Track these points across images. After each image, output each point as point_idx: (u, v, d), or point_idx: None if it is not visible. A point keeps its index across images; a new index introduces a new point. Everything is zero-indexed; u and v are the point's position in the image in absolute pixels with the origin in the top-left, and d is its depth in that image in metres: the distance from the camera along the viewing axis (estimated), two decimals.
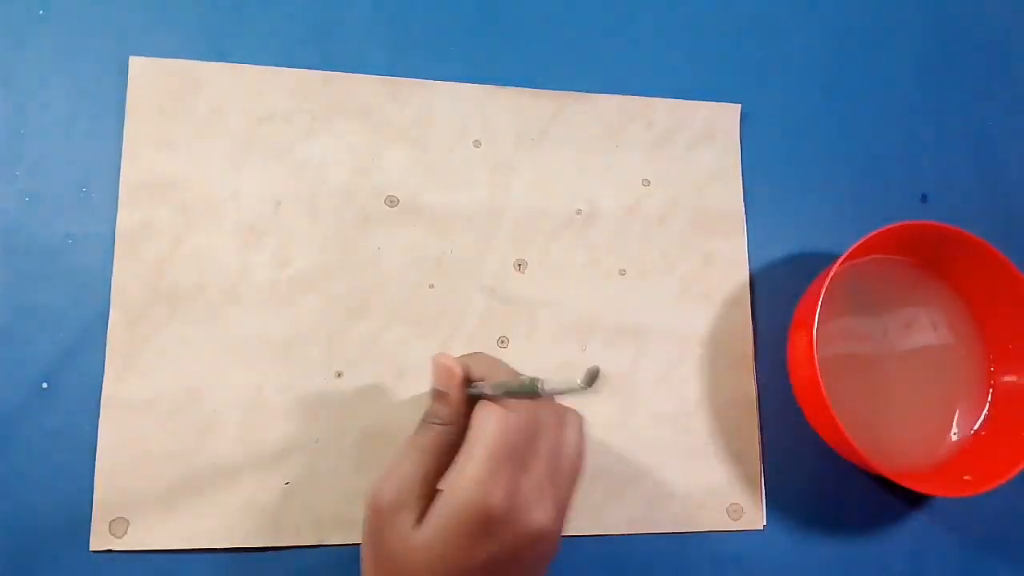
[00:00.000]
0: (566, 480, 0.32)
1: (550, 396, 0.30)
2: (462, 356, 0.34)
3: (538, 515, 0.29)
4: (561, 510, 0.31)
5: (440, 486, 0.30)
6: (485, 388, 0.32)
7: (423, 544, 0.28)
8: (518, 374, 0.33)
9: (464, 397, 0.32)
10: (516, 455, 0.29)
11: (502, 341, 0.43)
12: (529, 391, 0.29)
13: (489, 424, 0.29)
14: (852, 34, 0.51)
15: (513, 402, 0.30)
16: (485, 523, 0.28)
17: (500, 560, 0.28)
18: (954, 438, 0.45)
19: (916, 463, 0.44)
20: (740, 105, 0.48)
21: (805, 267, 0.46)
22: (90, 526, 0.37)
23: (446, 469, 0.30)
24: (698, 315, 0.45)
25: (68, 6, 0.42)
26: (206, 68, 0.42)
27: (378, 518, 0.30)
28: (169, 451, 0.38)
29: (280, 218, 0.42)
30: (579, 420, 0.33)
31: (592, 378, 0.26)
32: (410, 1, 0.46)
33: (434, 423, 0.32)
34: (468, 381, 0.33)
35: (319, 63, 0.44)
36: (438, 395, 0.33)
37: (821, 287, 0.40)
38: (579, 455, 0.32)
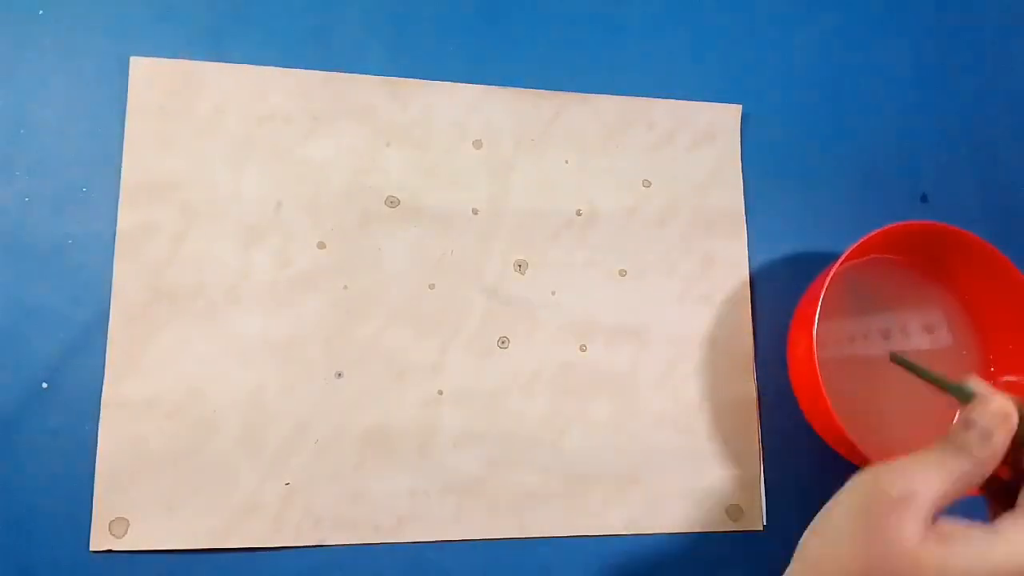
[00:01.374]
0: None
1: None
2: (1012, 396, 0.31)
3: None
4: None
5: (996, 525, 0.29)
6: None
7: (936, 568, 0.27)
8: None
9: (1010, 446, 0.30)
10: None
11: (502, 342, 0.43)
12: None
13: None
14: (852, 34, 0.51)
15: None
16: None
17: None
18: None
19: None
20: (741, 106, 0.48)
21: (805, 267, 0.46)
22: (90, 526, 0.37)
23: (957, 497, 0.29)
24: (698, 315, 0.45)
25: (68, 6, 0.42)
26: (206, 68, 0.42)
27: (880, 499, 0.29)
28: (169, 451, 0.38)
29: (281, 218, 0.42)
30: None
31: None
32: (410, 1, 0.46)
33: (968, 454, 0.30)
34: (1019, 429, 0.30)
35: (319, 63, 0.44)
36: (983, 431, 0.30)
37: (821, 287, 0.40)
38: None
